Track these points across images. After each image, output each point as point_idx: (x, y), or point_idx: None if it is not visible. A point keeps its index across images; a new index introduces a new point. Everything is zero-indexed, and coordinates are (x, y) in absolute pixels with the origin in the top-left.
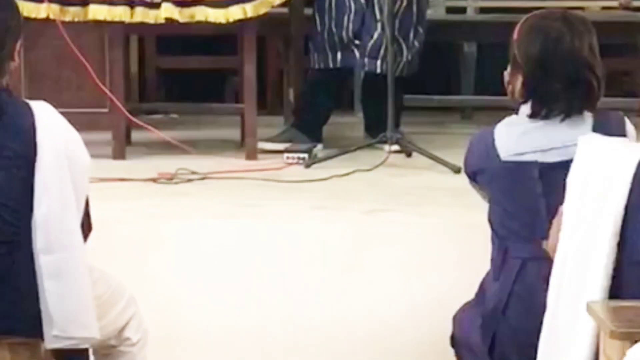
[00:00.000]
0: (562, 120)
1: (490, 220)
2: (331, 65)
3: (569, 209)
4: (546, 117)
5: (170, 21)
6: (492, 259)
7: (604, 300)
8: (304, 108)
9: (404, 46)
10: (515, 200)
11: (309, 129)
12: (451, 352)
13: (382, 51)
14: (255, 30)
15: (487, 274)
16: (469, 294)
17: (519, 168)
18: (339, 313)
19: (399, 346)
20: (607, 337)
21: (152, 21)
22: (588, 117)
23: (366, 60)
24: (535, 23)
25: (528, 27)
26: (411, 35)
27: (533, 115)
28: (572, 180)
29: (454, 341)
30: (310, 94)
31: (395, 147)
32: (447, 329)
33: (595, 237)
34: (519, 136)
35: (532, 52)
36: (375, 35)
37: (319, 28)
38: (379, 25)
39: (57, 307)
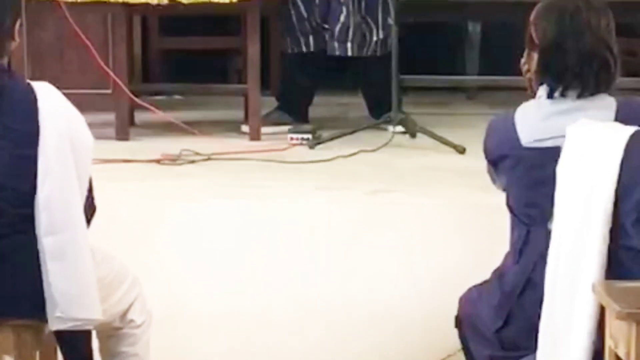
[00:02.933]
0: (578, 97)
1: (509, 205)
2: (304, 49)
3: (560, 198)
4: (563, 95)
5: (173, 1)
6: (512, 242)
7: (609, 282)
8: (285, 90)
9: (373, 26)
10: (537, 186)
11: (293, 110)
12: (455, 332)
13: (350, 34)
14: (258, 10)
15: (507, 255)
16: (473, 274)
17: (540, 154)
18: (343, 293)
19: (403, 326)
20: (613, 318)
21: (155, 2)
22: (612, 102)
23: (336, 44)
24: (552, 1)
25: (545, 5)
26: (379, 14)
27: (550, 95)
28: (562, 169)
29: (459, 322)
30: (289, 77)
31: (399, 128)
32: (451, 309)
33: (589, 223)
34: (539, 121)
35: (548, 27)
36: (342, 19)
37: (291, 13)
38: (344, 8)
39: (60, 288)
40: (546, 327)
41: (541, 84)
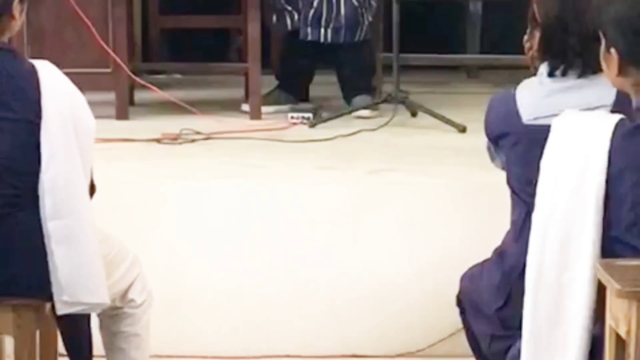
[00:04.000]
0: (579, 76)
1: (510, 184)
2: (270, 29)
3: (543, 189)
4: (564, 74)
5: None
6: (513, 221)
7: (609, 261)
8: (285, 69)
9: (366, 10)
10: (537, 164)
11: (293, 89)
12: (456, 311)
13: (323, 19)
14: None
15: (507, 233)
16: (474, 253)
17: (541, 131)
18: (344, 273)
19: (404, 306)
20: (614, 296)
21: None
22: None
23: (308, 29)
24: None
25: None
26: None
27: (551, 73)
28: (547, 159)
29: (460, 301)
30: (289, 56)
31: (366, 113)
32: (452, 288)
33: (578, 214)
34: (541, 99)
35: (550, 6)
36: (315, 3)
37: None
38: None
39: (67, 273)
40: (532, 317)
41: (543, 61)
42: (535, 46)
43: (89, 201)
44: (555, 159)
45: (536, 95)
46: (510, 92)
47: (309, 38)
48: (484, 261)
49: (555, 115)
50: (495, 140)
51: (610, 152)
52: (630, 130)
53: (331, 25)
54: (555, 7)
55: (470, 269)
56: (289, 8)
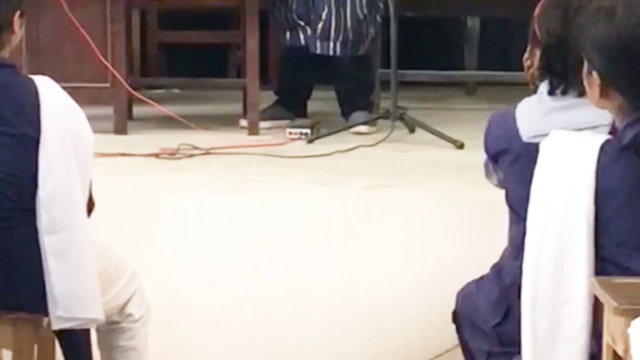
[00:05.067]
0: (579, 96)
1: (508, 201)
2: (283, 45)
3: (535, 211)
4: (564, 93)
5: None
6: (511, 237)
7: (605, 278)
8: (284, 85)
9: (365, 24)
10: None
11: (291, 104)
12: (453, 327)
13: (332, 32)
14: (257, 4)
15: (505, 249)
16: (472, 269)
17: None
18: (342, 288)
19: (401, 321)
20: (611, 313)
21: None
22: None
23: (318, 43)
24: None
25: (550, 2)
26: (372, 10)
27: (551, 92)
28: (536, 182)
29: (457, 317)
30: (285, 71)
31: (364, 129)
32: (450, 303)
33: (570, 235)
34: (540, 117)
35: (551, 25)
36: (324, 16)
37: (275, 6)
38: (326, 5)
39: (62, 288)
40: (531, 338)
41: (543, 80)
42: (536, 64)
43: (86, 216)
44: (545, 181)
45: (535, 113)
46: (510, 110)
47: (319, 52)
48: (480, 278)
49: None
50: (494, 157)
51: (597, 172)
52: (616, 151)
53: (340, 39)
54: (557, 26)
55: (466, 285)
56: (302, 23)
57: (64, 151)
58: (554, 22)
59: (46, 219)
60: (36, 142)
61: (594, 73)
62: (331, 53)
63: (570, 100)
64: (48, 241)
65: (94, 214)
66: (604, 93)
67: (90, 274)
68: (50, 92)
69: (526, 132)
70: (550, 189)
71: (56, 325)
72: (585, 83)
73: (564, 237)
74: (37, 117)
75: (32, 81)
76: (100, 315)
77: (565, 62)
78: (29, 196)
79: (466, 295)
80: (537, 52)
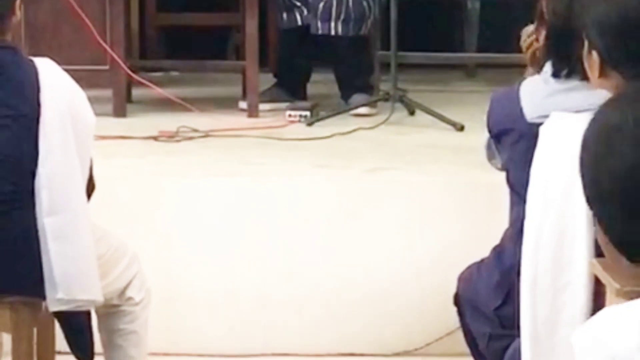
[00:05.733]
0: (582, 80)
1: (510, 182)
2: (280, 26)
3: (534, 195)
4: (568, 76)
5: None
6: (512, 219)
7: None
8: (283, 67)
9: (365, 3)
10: None
11: (291, 87)
12: (454, 310)
13: (333, 12)
14: None
15: (506, 232)
16: (472, 252)
17: None
18: (341, 272)
19: (401, 304)
20: (613, 295)
21: None
22: None
23: (319, 23)
24: None
25: None
26: None
27: (555, 75)
28: (536, 165)
29: (458, 299)
30: (283, 53)
31: (364, 111)
32: (450, 286)
33: (570, 218)
34: (545, 97)
35: (558, 5)
36: None
37: None
38: None
39: (61, 269)
40: (530, 322)
41: (547, 61)
42: (541, 44)
43: (85, 198)
44: (544, 164)
45: (540, 93)
46: (513, 89)
47: (320, 32)
48: (481, 261)
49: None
50: (498, 137)
51: None
52: None
53: (342, 17)
54: (563, 7)
55: (468, 268)
56: (298, 4)
57: (63, 132)
58: (561, 6)
59: (46, 200)
60: (36, 123)
61: (594, 53)
62: (332, 33)
63: (575, 82)
64: (48, 222)
65: (93, 196)
66: (603, 73)
67: (89, 256)
68: (50, 73)
69: (530, 112)
70: (549, 172)
71: (55, 307)
72: (585, 63)
73: (564, 221)
74: (37, 98)
75: (32, 62)
76: (99, 297)
77: (569, 44)
78: (28, 178)
79: (467, 279)
80: (543, 32)
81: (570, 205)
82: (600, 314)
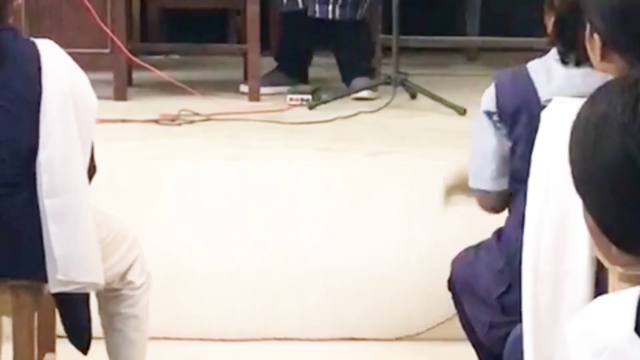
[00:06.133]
0: (592, 66)
1: (515, 168)
2: (280, 9)
3: (536, 180)
4: (577, 64)
5: None
6: (515, 204)
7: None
8: (284, 50)
9: None
10: None
11: (292, 70)
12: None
13: None
14: None
15: (508, 217)
16: (473, 236)
17: None
18: (342, 255)
19: (403, 289)
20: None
21: None
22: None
23: (317, 6)
24: None
25: None
26: None
27: (562, 61)
28: (538, 150)
29: (454, 285)
30: (284, 37)
31: (365, 94)
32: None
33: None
34: (559, 79)
35: None
36: None
37: None
38: None
39: (62, 251)
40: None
41: (554, 46)
42: (550, 28)
43: (86, 180)
44: (547, 149)
45: (555, 74)
46: (521, 70)
47: (317, 15)
48: (477, 245)
49: (573, 98)
50: (513, 118)
51: None
52: None
53: (339, 2)
54: None
55: (463, 253)
56: None
57: (64, 113)
58: None
59: (47, 182)
60: (37, 105)
61: (595, 35)
62: (330, 17)
63: (586, 69)
64: (49, 204)
65: (94, 180)
66: (604, 56)
67: (90, 238)
68: (51, 55)
69: (544, 92)
70: (552, 156)
71: (56, 289)
72: (587, 46)
73: (566, 208)
74: (38, 80)
75: (33, 44)
76: (100, 280)
77: (576, 35)
78: (30, 160)
79: (464, 264)
80: (552, 17)
81: (572, 192)
82: (591, 305)
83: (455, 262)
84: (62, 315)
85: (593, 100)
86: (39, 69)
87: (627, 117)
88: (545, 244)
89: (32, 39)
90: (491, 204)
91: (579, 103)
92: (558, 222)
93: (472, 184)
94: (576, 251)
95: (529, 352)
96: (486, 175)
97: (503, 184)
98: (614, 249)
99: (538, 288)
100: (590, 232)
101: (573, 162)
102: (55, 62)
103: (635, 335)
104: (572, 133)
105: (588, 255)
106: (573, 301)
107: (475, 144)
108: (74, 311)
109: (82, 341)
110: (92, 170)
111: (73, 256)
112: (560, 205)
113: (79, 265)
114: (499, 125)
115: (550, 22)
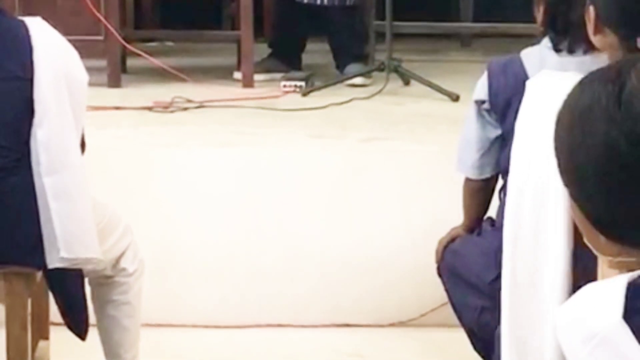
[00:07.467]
0: (585, 53)
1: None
2: None
3: (518, 153)
4: (570, 50)
5: None
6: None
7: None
8: (278, 37)
9: None
10: None
11: (285, 57)
12: None
13: None
14: None
15: (500, 207)
16: None
17: None
18: (336, 241)
19: (396, 275)
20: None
21: None
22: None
23: None
24: None
25: None
26: None
27: (556, 48)
28: (521, 122)
29: (445, 271)
30: (278, 23)
31: (359, 80)
32: None
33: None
34: (552, 68)
35: None
36: None
37: None
38: None
39: (62, 228)
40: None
41: (546, 35)
42: (540, 17)
43: (81, 157)
44: (530, 121)
45: (548, 63)
46: (514, 59)
47: (306, 1)
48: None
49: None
50: (505, 106)
51: None
52: None
53: None
54: None
55: (459, 241)
56: None
57: (58, 91)
58: None
59: (45, 160)
60: (30, 83)
61: (591, 8)
62: (319, 2)
63: (580, 57)
64: (48, 182)
65: (86, 166)
66: (598, 29)
67: (88, 214)
68: (42, 33)
69: None
70: (534, 129)
71: (55, 264)
72: (586, 19)
73: (547, 181)
74: (29, 59)
75: (23, 23)
76: (98, 255)
77: (567, 19)
78: (24, 141)
79: (450, 251)
80: (542, 6)
81: (553, 165)
82: (580, 292)
83: (450, 249)
84: (58, 304)
85: (577, 91)
86: (30, 47)
87: (612, 107)
88: (525, 217)
89: (21, 18)
90: (474, 190)
91: (563, 75)
92: (539, 195)
93: (457, 169)
94: (555, 225)
95: (505, 325)
96: (469, 163)
97: (485, 173)
98: (602, 239)
99: (517, 265)
100: (577, 223)
101: (559, 153)
102: (46, 40)
103: (624, 322)
104: (557, 124)
105: (566, 230)
106: (549, 278)
107: (464, 131)
108: (68, 296)
109: (80, 328)
110: (82, 147)
111: (74, 232)
112: (541, 177)
113: (79, 241)
114: (488, 114)
115: (539, 12)
